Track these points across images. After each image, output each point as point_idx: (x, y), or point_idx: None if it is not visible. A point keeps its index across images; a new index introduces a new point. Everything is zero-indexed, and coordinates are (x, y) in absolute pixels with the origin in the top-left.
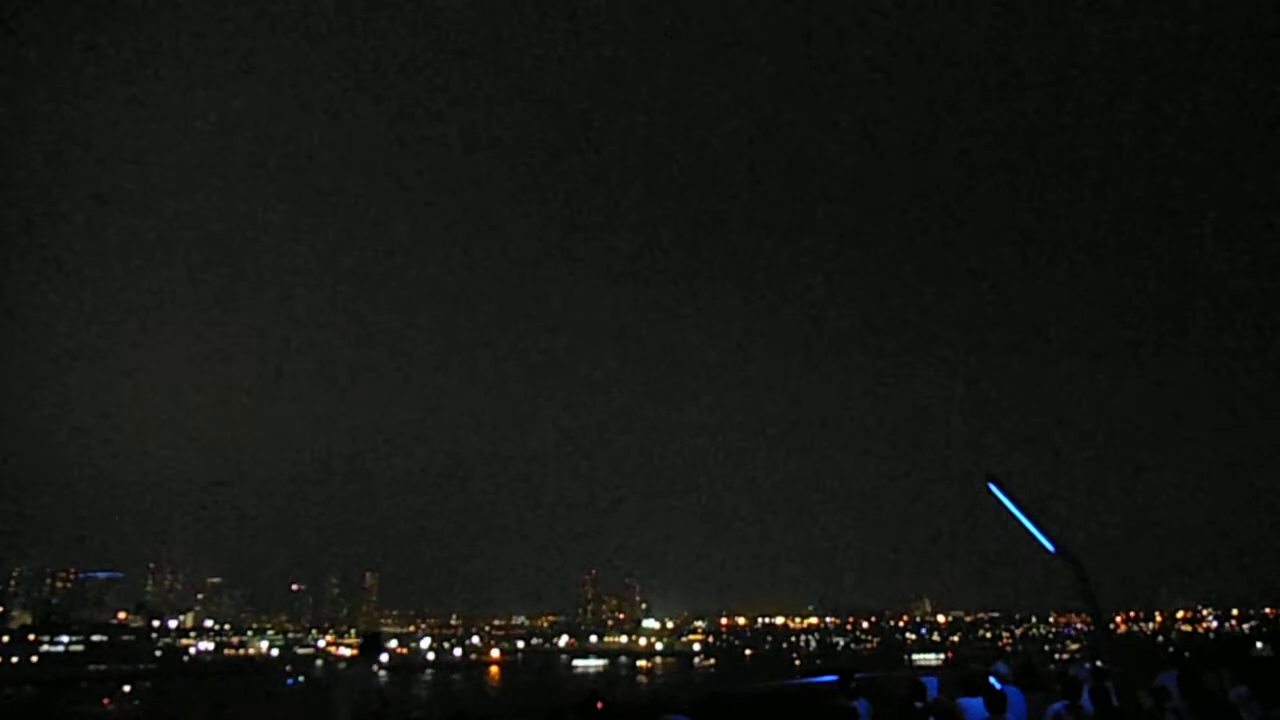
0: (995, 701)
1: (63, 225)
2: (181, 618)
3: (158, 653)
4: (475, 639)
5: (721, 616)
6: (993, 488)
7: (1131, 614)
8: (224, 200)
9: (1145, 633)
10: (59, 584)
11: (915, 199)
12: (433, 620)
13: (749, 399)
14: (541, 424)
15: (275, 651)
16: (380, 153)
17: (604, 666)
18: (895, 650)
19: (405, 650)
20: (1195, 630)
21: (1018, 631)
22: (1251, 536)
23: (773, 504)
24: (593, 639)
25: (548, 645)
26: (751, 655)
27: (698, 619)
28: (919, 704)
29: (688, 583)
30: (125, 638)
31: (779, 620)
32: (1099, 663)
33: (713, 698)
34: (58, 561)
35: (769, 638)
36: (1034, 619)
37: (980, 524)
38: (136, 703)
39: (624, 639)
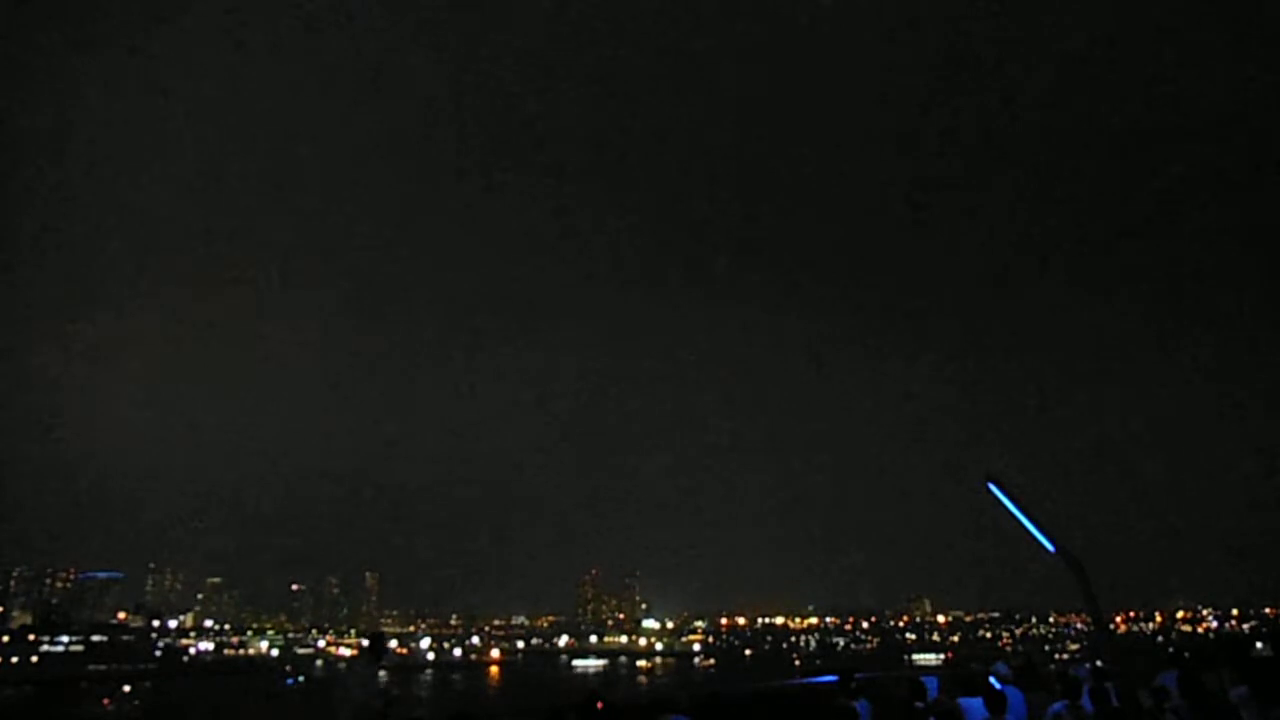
0: (995, 701)
1: (63, 225)
2: (181, 618)
3: (158, 653)
4: (475, 639)
5: (721, 616)
6: (993, 488)
7: (1131, 614)
8: (225, 201)
9: (1145, 633)
10: (59, 584)
11: (914, 199)
12: (433, 620)
13: (749, 399)
14: (542, 424)
15: (275, 651)
16: (381, 154)
17: (604, 666)
18: (895, 650)
19: (405, 650)
20: (1195, 630)
21: (1018, 631)
22: (1251, 536)
23: (773, 504)
24: (593, 639)
25: (548, 645)
26: (751, 655)
27: (698, 619)
28: (919, 704)
29: (688, 583)
30: (125, 638)
31: (779, 620)
32: (1099, 663)
33: (713, 698)
34: (58, 561)
35: (769, 638)
36: (1034, 619)
37: (980, 524)
38: (136, 703)
39: (624, 639)
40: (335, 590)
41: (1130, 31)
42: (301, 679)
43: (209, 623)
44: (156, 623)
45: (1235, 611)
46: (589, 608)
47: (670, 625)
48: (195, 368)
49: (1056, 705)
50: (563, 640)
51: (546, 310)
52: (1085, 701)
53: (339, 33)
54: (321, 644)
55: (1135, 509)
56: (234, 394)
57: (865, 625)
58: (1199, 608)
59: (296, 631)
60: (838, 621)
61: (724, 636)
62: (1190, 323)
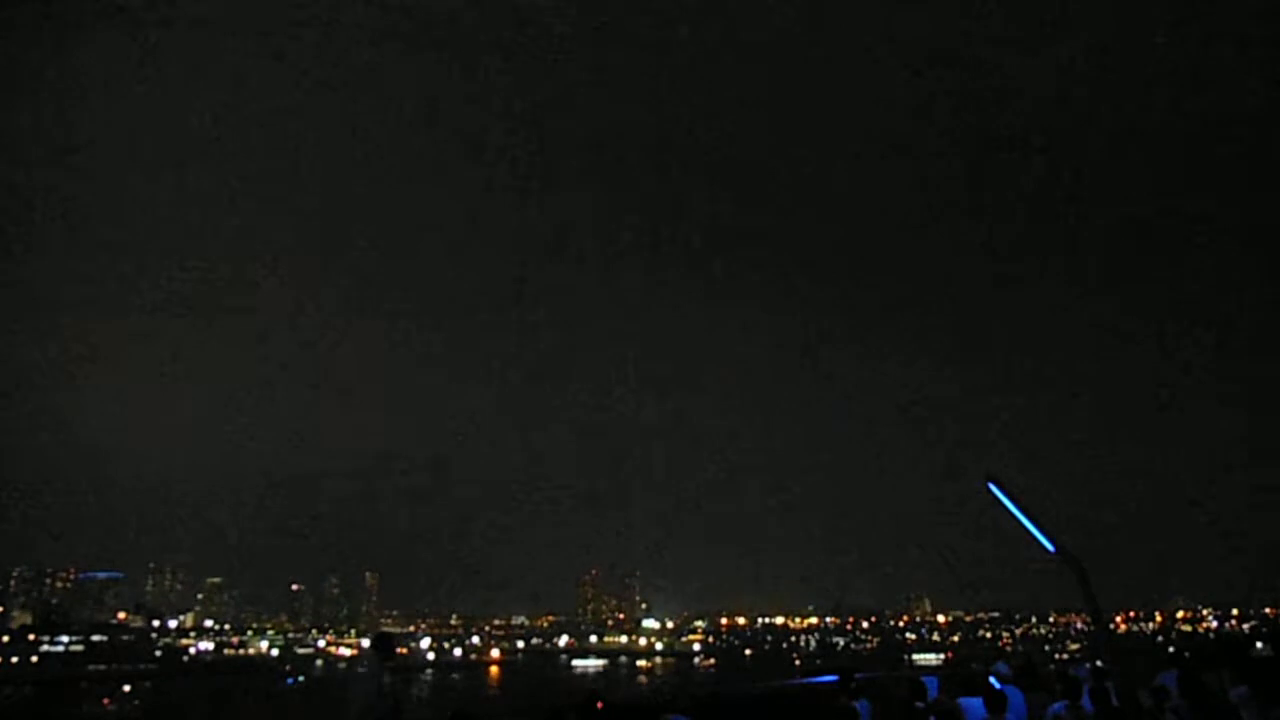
0: (995, 701)
1: (63, 225)
2: (181, 618)
3: (158, 653)
4: (475, 639)
5: (721, 616)
6: (992, 487)
7: (1131, 614)
8: (226, 201)
9: (1145, 633)
10: (59, 584)
11: (913, 200)
12: (433, 620)
13: (749, 399)
14: (542, 424)
15: (275, 651)
16: (381, 154)
17: (604, 666)
18: (895, 650)
19: (405, 650)
20: (1195, 630)
21: (1018, 631)
22: (1251, 536)
23: (772, 504)
24: (593, 639)
25: (548, 645)
26: (751, 655)
27: (698, 619)
28: (919, 704)
29: (688, 583)
30: (125, 638)
31: (779, 620)
32: (1099, 663)
33: (713, 698)
34: (58, 561)
35: (769, 638)
36: (1034, 619)
37: (980, 524)
38: (136, 703)
39: (624, 639)
40: (335, 590)
41: (1130, 32)
42: (301, 679)
43: (209, 623)
44: (156, 623)
45: (1235, 611)
46: (589, 608)
47: (670, 625)
48: (195, 368)
49: (1056, 705)
50: (563, 640)
51: (546, 310)
52: (1085, 701)
53: (339, 32)
54: (321, 644)
55: (1135, 509)
56: (234, 394)
57: (865, 625)
58: (1199, 608)
59: (296, 631)
60: (838, 621)
61: (724, 636)
62: (1190, 323)
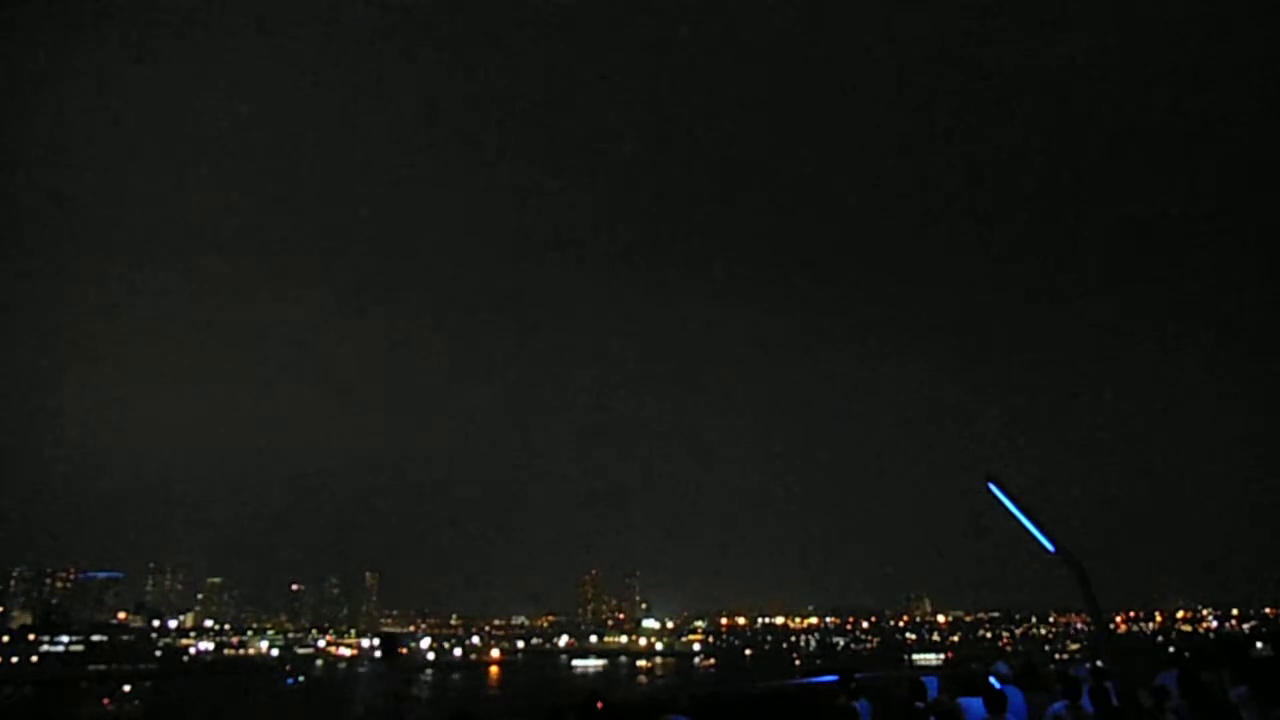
0: (995, 701)
1: (63, 225)
2: (181, 618)
3: (158, 653)
4: (475, 639)
5: (721, 616)
6: (992, 487)
7: (1131, 614)
8: (226, 201)
9: (1145, 633)
10: (59, 584)
11: (913, 200)
12: (433, 620)
13: (749, 399)
14: (542, 424)
15: (275, 651)
16: (381, 154)
17: (604, 666)
18: (895, 650)
19: (405, 650)
20: (1195, 630)
21: (1018, 631)
22: (1252, 537)
23: (773, 504)
24: (593, 639)
25: (548, 645)
26: (751, 655)
27: (698, 619)
28: (919, 704)
29: (688, 583)
30: (125, 638)
31: (779, 620)
32: (1099, 663)
33: (713, 698)
34: (58, 561)
35: (769, 638)
36: (1034, 619)
37: (980, 524)
38: (136, 703)
39: (624, 639)
40: (335, 590)
41: (1130, 32)
42: (301, 679)
43: (209, 623)
44: (156, 623)
45: (1235, 611)
46: (589, 608)
47: (670, 625)
48: (195, 368)
49: (1056, 705)
50: (563, 640)
51: (546, 310)
52: (1085, 701)
53: (339, 32)
54: (321, 644)
55: (1135, 509)
56: (234, 394)
57: (865, 625)
58: (1199, 608)
59: (296, 631)
60: (838, 621)
61: (724, 636)
62: (1191, 322)
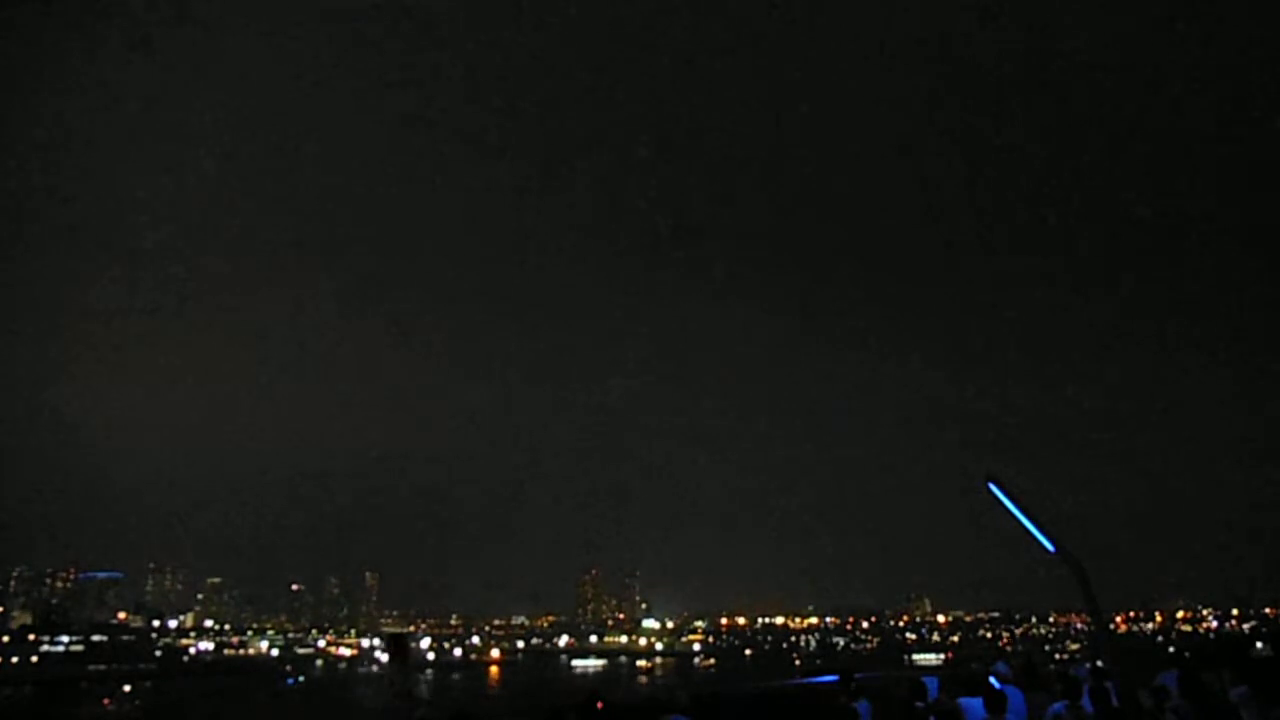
0: (995, 701)
1: (63, 226)
2: (181, 618)
3: (158, 653)
4: (475, 639)
5: (721, 616)
6: (993, 487)
7: (1131, 614)
8: (226, 201)
9: (1145, 633)
10: (59, 584)
11: (913, 200)
12: (433, 620)
13: (749, 399)
14: (542, 424)
15: (275, 651)
16: (381, 155)
17: (604, 666)
18: (895, 650)
19: (414, 646)
20: (1195, 630)
21: (1018, 631)
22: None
23: (773, 504)
24: (593, 639)
25: (548, 645)
26: (751, 655)
27: (698, 619)
28: (919, 704)
29: (688, 583)
30: (125, 638)
31: (779, 620)
32: (1099, 663)
33: (713, 698)
34: (58, 561)
35: (769, 638)
36: (1034, 619)
37: (980, 524)
38: (136, 703)
39: (624, 639)
40: (335, 590)
41: (1131, 32)
42: (301, 679)
43: (209, 623)
44: (156, 623)
45: (1235, 611)
46: (589, 608)
47: (670, 625)
48: (195, 368)
49: (1056, 705)
50: (563, 640)
51: (546, 310)
52: (1085, 701)
53: (338, 33)
54: (321, 644)
55: (1135, 509)
56: (234, 394)
57: (865, 625)
58: (1199, 608)
59: (296, 631)
60: (838, 621)
61: (724, 636)
62: (1191, 322)
